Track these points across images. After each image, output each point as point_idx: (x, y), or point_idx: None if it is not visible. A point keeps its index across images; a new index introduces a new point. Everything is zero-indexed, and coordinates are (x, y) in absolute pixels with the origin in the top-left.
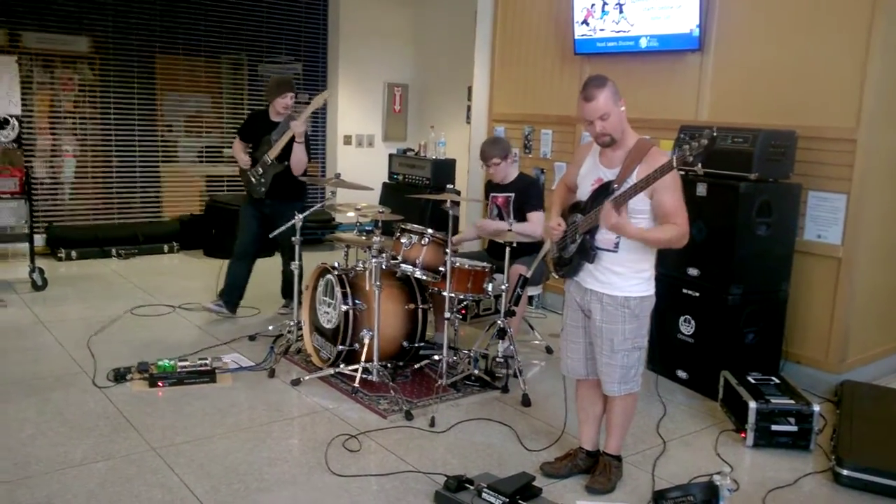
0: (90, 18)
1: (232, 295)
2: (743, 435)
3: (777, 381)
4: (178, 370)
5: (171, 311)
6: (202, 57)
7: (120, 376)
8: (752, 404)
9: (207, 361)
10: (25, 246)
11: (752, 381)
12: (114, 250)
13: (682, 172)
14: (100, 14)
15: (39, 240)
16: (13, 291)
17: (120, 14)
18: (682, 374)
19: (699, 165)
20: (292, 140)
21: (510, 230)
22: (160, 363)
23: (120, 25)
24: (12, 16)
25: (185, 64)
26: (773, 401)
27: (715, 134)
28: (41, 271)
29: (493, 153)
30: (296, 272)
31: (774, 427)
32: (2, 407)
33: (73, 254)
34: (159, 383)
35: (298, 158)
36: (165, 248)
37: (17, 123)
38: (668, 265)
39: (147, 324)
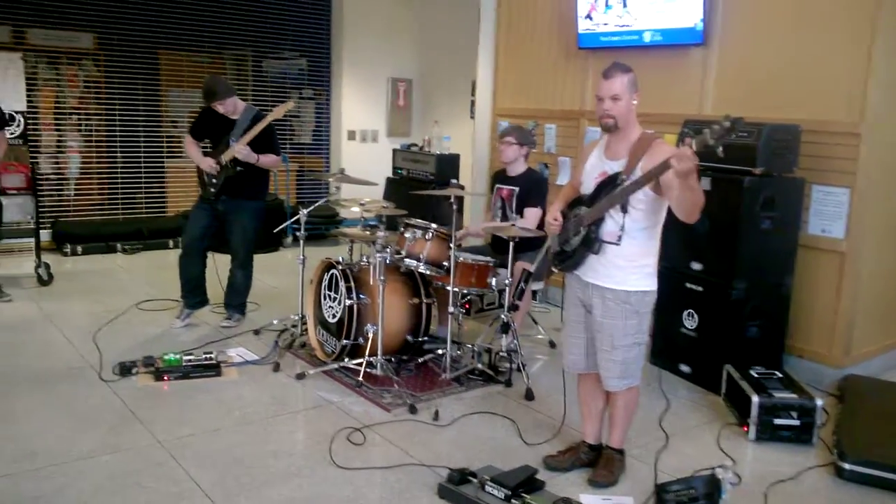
0: (95, 15)
1: (190, 293)
2: (745, 429)
3: (780, 375)
4: (184, 364)
5: (176, 306)
6: (206, 53)
7: (126, 370)
8: (755, 398)
9: (213, 355)
10: (31, 241)
11: (755, 376)
12: (119, 245)
13: None
14: (104, 10)
15: (45, 235)
16: (19, 286)
17: (124, 10)
18: (685, 368)
19: (720, 150)
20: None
21: (513, 225)
22: (166, 357)
23: (124, 21)
24: (18, 12)
25: (189, 60)
26: (775, 395)
27: (739, 117)
28: (47, 266)
29: (512, 132)
30: (300, 267)
31: (777, 421)
32: (8, 400)
33: (79, 249)
34: (165, 377)
35: (267, 164)
36: (170, 243)
37: (22, 120)
38: (672, 259)
39: (153, 318)
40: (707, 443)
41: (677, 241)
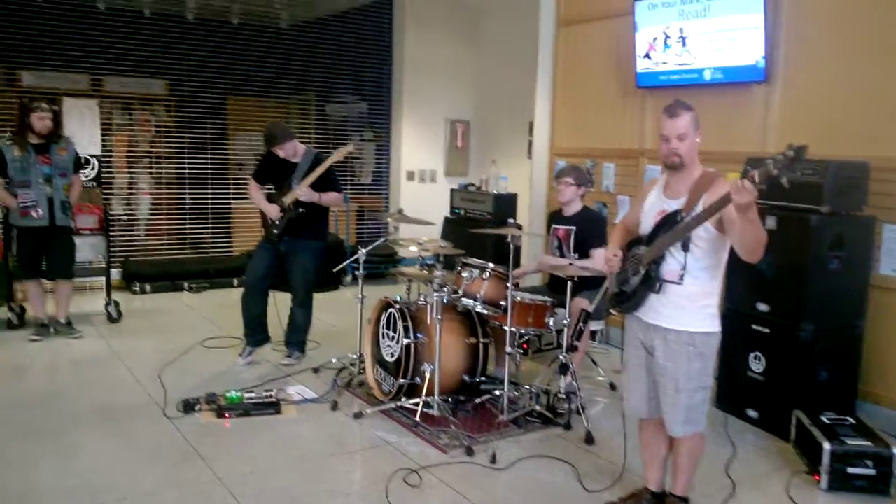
0: (167, 63)
1: (252, 331)
2: (817, 478)
3: (853, 421)
4: (245, 401)
5: (239, 343)
6: (272, 98)
7: (189, 407)
8: (827, 445)
9: (273, 393)
10: (102, 280)
11: (827, 422)
12: (186, 284)
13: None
14: (176, 58)
15: (116, 274)
16: (90, 323)
17: (194, 58)
18: (752, 413)
19: (785, 180)
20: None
21: (571, 265)
22: (227, 394)
23: (195, 69)
24: (97, 62)
25: (255, 105)
26: (848, 442)
27: (802, 145)
28: (117, 304)
29: (570, 172)
30: (359, 306)
31: (851, 470)
32: (75, 435)
33: (147, 287)
34: (226, 414)
35: (329, 202)
36: (235, 282)
37: (96, 163)
38: (737, 300)
39: (216, 356)
40: (776, 492)
41: (742, 281)
